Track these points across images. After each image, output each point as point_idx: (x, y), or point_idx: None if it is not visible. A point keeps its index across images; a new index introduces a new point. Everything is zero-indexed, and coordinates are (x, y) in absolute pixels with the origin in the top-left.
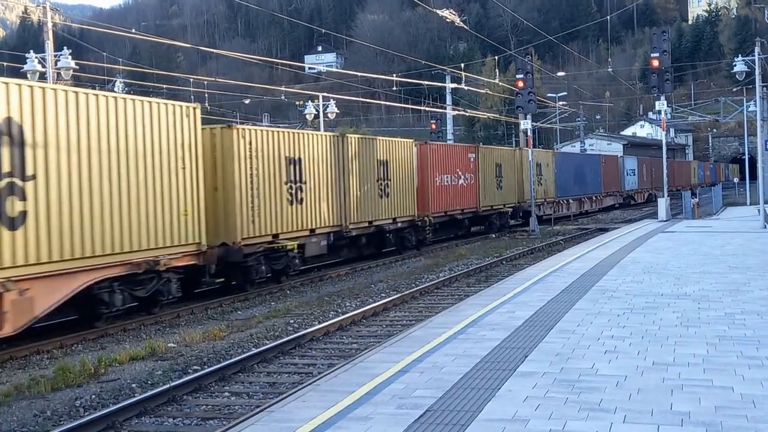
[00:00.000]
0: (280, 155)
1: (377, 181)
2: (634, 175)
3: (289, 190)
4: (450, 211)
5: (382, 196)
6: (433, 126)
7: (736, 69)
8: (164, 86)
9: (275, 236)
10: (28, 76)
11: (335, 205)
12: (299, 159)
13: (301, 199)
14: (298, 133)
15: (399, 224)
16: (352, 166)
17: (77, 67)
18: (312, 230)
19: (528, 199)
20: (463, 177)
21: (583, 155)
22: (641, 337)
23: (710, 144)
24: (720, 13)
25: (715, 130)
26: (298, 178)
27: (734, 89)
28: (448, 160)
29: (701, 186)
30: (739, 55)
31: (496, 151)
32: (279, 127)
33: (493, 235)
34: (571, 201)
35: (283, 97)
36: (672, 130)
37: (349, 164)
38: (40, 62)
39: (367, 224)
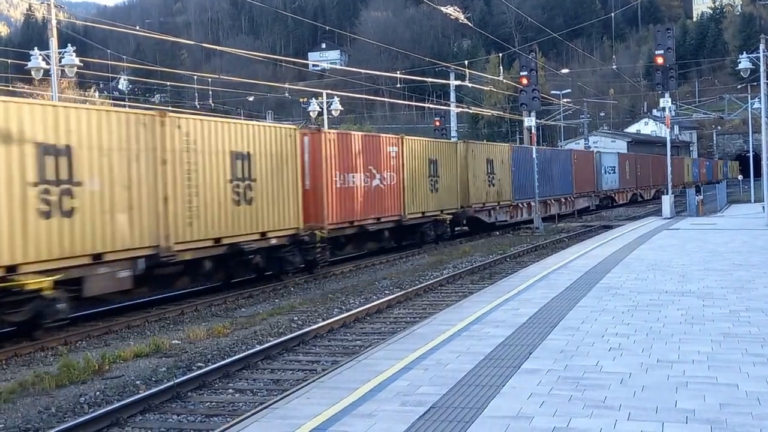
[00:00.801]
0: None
1: (231, 181)
2: (614, 173)
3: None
4: (360, 221)
5: (240, 202)
6: (437, 123)
7: (740, 66)
8: (168, 83)
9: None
10: (33, 73)
11: (146, 218)
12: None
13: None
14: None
15: (272, 242)
16: (179, 160)
17: (81, 64)
18: (96, 256)
19: (474, 203)
20: (380, 176)
21: (552, 150)
22: (646, 335)
23: (714, 141)
24: (725, 10)
25: (719, 128)
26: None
27: (739, 86)
28: (356, 154)
29: (696, 185)
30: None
31: (431, 145)
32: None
33: (497, 233)
34: (532, 204)
35: (287, 95)
36: (676, 128)
37: (174, 156)
38: (44, 59)
39: (212, 243)
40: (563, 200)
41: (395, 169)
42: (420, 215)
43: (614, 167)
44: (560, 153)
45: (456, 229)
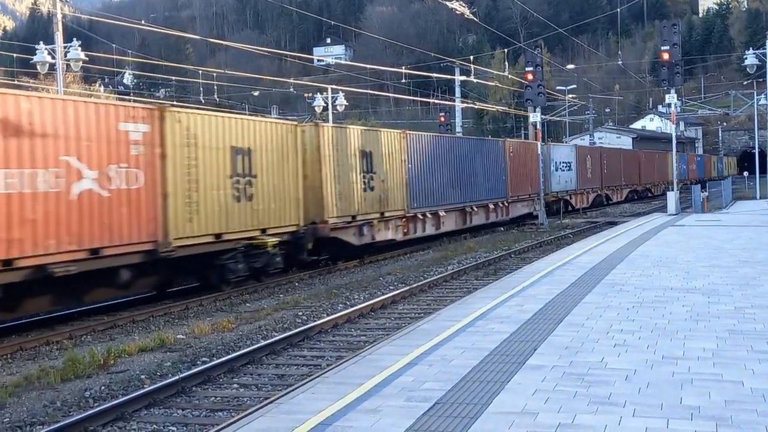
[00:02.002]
0: None
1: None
2: (569, 170)
3: None
4: (36, 257)
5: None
6: (442, 118)
7: (746, 62)
8: (173, 78)
9: None
10: (38, 67)
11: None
12: None
13: None
14: None
15: None
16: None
17: (86, 58)
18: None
19: (334, 216)
20: (94, 175)
21: (472, 140)
22: (651, 331)
23: (720, 138)
24: (731, 6)
25: (725, 124)
26: None
27: (745, 82)
28: (33, 135)
29: (685, 183)
30: (750, 49)
31: (238, 126)
32: None
33: (502, 228)
34: (441, 214)
35: (291, 90)
36: (682, 124)
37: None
38: (49, 54)
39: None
40: (492, 206)
41: (143, 163)
42: (211, 240)
43: (569, 163)
44: (487, 144)
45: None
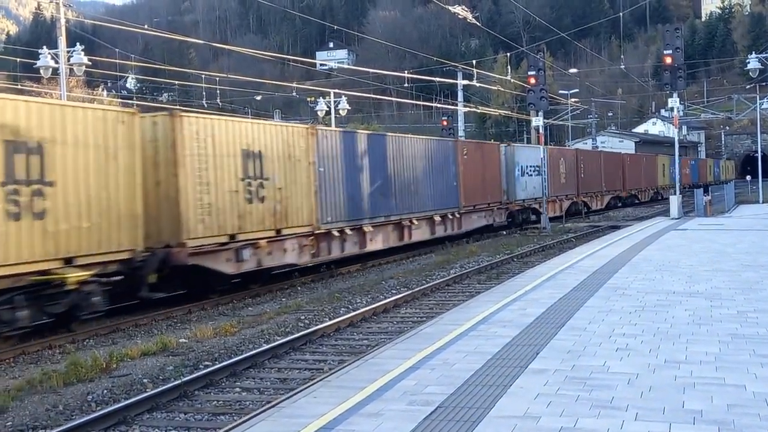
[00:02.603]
0: None
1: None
2: (536, 175)
3: None
4: None
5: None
6: (444, 123)
7: (749, 66)
8: (176, 82)
9: None
10: (41, 71)
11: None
12: None
13: None
14: None
15: None
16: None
17: (90, 63)
18: (278, 231)
19: (191, 239)
20: None
21: (413, 140)
22: (653, 335)
23: (723, 141)
24: (733, 10)
25: (727, 128)
26: None
27: (747, 86)
28: None
29: (669, 188)
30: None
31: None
32: None
33: (504, 232)
34: (367, 230)
35: (294, 94)
36: (684, 128)
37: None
38: (53, 58)
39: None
40: (439, 219)
41: None
42: None
43: (536, 167)
44: (432, 145)
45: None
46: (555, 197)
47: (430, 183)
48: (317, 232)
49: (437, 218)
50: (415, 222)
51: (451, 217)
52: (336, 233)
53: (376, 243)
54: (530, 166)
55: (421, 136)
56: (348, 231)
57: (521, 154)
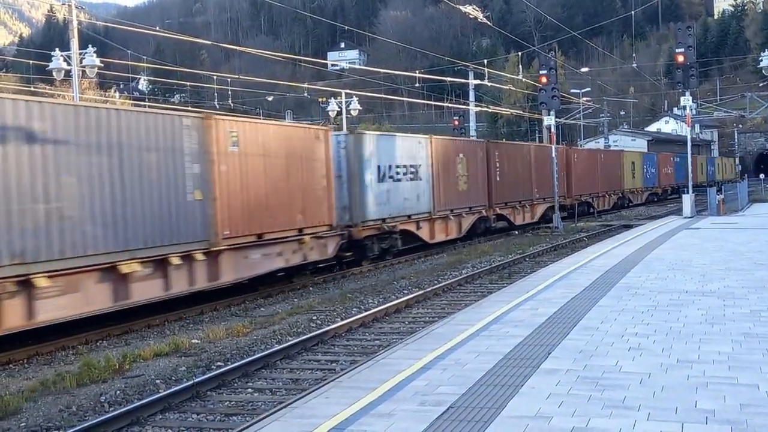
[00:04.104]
0: None
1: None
2: (412, 179)
3: None
4: None
5: None
6: (456, 122)
7: (762, 64)
8: (188, 84)
9: None
10: (54, 74)
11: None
12: None
13: None
14: None
15: None
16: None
17: (102, 65)
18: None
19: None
20: None
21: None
22: (665, 335)
23: (736, 140)
24: (746, 7)
25: (740, 126)
26: None
27: (760, 84)
28: None
29: (651, 191)
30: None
31: None
32: None
33: (516, 232)
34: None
35: (306, 94)
36: (697, 126)
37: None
38: (65, 60)
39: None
40: (177, 262)
41: None
42: None
43: (414, 167)
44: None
45: None
46: (445, 213)
47: (159, 199)
48: None
49: (174, 262)
50: (139, 268)
51: (200, 259)
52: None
53: (50, 312)
54: (397, 167)
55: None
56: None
57: (379, 147)
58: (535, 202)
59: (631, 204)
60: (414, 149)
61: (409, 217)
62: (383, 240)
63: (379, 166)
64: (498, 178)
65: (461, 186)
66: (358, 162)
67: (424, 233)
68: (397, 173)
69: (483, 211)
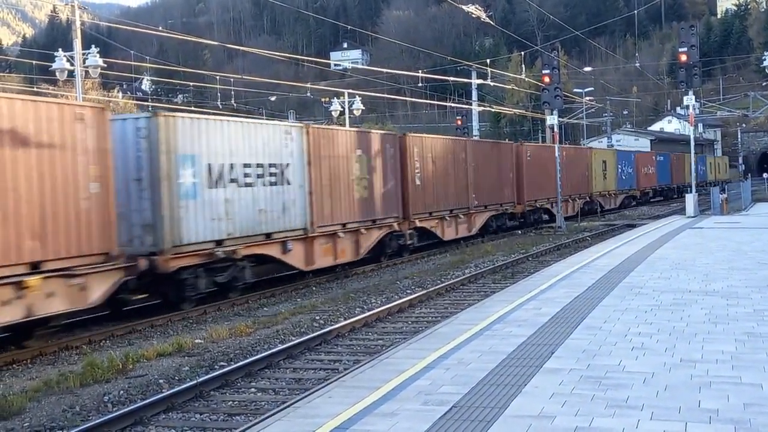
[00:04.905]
0: None
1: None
2: (272, 183)
3: None
4: None
5: None
6: (459, 122)
7: (765, 63)
8: (191, 84)
9: None
10: (57, 74)
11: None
12: None
13: None
14: None
15: None
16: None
17: (105, 65)
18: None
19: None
20: None
21: None
22: (669, 334)
23: (739, 139)
24: (749, 6)
25: (744, 125)
26: None
27: (764, 83)
28: None
29: (627, 194)
30: None
31: None
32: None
33: (519, 232)
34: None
35: (309, 94)
36: (700, 126)
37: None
38: (68, 60)
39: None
40: None
41: None
42: None
43: (279, 170)
44: None
45: None
46: (336, 228)
47: None
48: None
49: None
50: None
51: None
52: None
53: None
54: (250, 166)
55: None
56: None
57: (210, 138)
58: (473, 211)
59: (603, 209)
60: (277, 142)
61: (268, 236)
62: (219, 272)
63: (210, 165)
64: (418, 182)
65: (359, 192)
66: (169, 159)
67: (295, 258)
68: (246, 175)
69: (395, 224)
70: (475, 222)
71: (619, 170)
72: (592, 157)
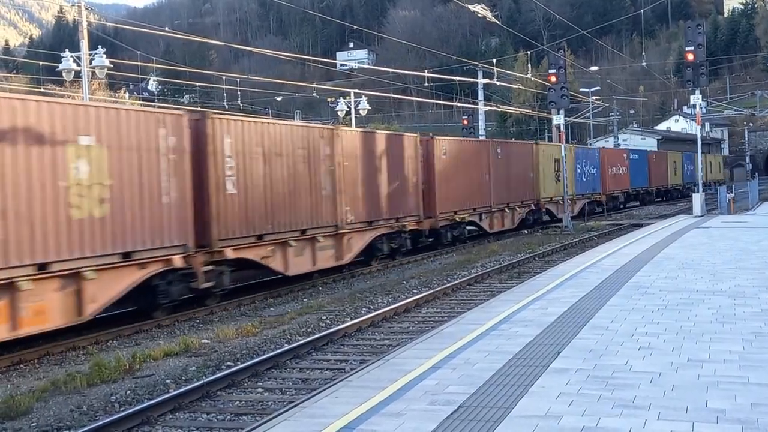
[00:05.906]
0: None
1: None
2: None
3: None
4: None
5: None
6: (465, 122)
7: None
8: (197, 84)
9: None
10: (64, 74)
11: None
12: None
13: None
14: None
15: None
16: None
17: (111, 65)
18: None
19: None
20: None
21: None
22: (676, 334)
23: (746, 138)
24: (756, 5)
25: (751, 124)
26: None
27: None
28: None
29: (589, 199)
30: None
31: None
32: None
33: (526, 231)
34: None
35: (315, 94)
36: (707, 125)
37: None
38: (75, 61)
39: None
40: None
41: None
42: None
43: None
44: None
45: None
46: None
47: None
48: None
49: None
50: None
51: None
52: None
53: None
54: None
55: None
56: None
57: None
58: (347, 230)
59: (554, 219)
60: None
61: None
62: None
63: None
64: (228, 188)
65: (84, 210)
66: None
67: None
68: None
69: (176, 259)
70: (351, 245)
71: (579, 171)
72: (539, 156)
